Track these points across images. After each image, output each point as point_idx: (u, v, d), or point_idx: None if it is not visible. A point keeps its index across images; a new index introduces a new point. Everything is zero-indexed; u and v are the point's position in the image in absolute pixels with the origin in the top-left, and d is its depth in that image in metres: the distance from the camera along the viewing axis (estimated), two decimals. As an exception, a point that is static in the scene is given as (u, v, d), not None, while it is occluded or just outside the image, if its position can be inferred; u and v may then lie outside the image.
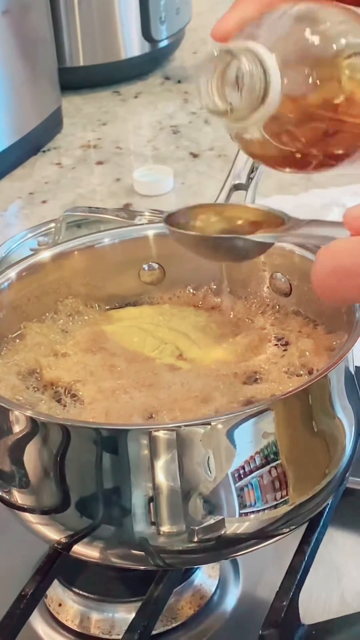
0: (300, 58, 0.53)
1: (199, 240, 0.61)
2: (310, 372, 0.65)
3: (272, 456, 0.57)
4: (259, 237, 0.58)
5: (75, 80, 1.54)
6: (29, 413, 0.58)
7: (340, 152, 0.56)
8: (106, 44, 1.55)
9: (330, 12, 0.54)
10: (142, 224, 0.65)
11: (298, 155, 0.56)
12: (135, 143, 1.40)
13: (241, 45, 0.54)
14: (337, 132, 0.55)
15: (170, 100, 1.52)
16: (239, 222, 0.62)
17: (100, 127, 1.45)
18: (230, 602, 0.70)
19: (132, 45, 1.55)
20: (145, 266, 0.74)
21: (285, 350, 0.68)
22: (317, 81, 0.53)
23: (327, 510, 0.66)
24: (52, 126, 1.42)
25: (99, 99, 1.54)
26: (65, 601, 0.70)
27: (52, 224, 1.02)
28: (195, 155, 1.33)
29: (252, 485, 0.57)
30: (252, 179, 0.82)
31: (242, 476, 0.57)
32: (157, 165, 1.30)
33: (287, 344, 0.69)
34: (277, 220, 0.60)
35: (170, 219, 0.62)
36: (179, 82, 1.58)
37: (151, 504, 0.57)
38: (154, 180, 1.24)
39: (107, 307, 0.74)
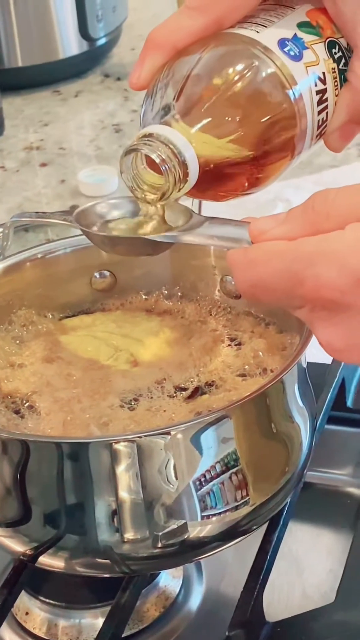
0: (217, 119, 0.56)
1: (103, 239, 0.61)
2: (264, 371, 0.66)
3: (232, 461, 0.58)
4: (158, 236, 0.58)
5: (15, 82, 1.54)
6: (-12, 430, 0.58)
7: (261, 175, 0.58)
8: (44, 44, 1.54)
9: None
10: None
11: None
12: (78, 143, 1.40)
13: (146, 142, 0.55)
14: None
15: (110, 98, 1.52)
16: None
17: (42, 127, 1.45)
18: (195, 601, 0.71)
19: (70, 44, 1.55)
20: (97, 274, 0.75)
21: (238, 349, 0.69)
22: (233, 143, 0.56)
23: (286, 508, 0.67)
24: (-7, 129, 1.42)
25: (39, 99, 1.54)
26: (31, 609, 0.70)
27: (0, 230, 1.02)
28: (138, 154, 1.33)
29: (213, 489, 0.58)
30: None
31: (204, 482, 0.58)
32: (101, 165, 1.31)
33: (240, 344, 0.70)
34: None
35: (79, 217, 0.62)
36: (119, 79, 1.58)
37: (114, 512, 0.58)
38: (99, 181, 1.25)
39: (60, 316, 0.74)
